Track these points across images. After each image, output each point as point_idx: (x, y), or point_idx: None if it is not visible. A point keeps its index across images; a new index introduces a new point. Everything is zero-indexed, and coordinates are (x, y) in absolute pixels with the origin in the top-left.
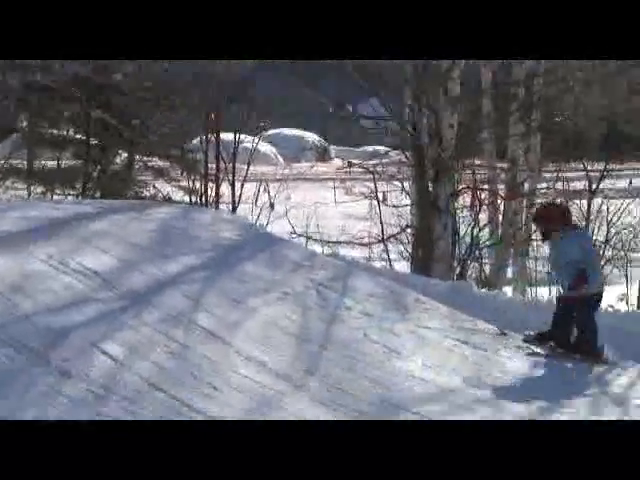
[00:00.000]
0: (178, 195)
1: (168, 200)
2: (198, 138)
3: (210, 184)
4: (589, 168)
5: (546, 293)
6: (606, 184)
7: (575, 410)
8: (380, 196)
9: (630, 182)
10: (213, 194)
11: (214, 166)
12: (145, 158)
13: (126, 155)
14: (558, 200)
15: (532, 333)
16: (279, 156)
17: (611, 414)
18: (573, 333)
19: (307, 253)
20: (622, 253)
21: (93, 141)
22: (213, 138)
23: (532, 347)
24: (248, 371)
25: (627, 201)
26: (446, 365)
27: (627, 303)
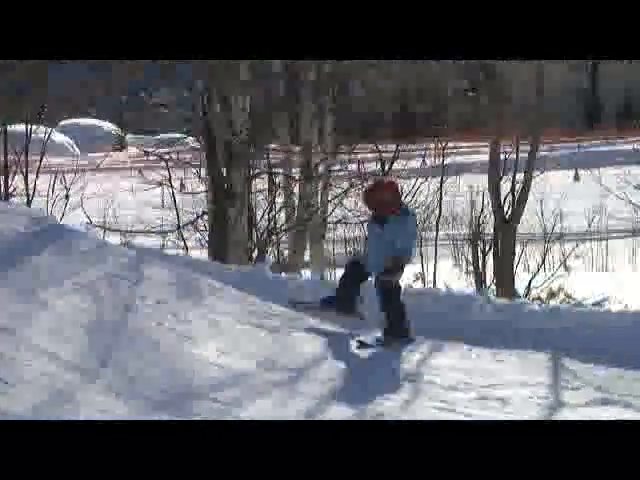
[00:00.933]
0: None
1: None
2: None
3: (2, 177)
4: (382, 149)
5: None
6: (399, 164)
7: (371, 389)
8: (177, 184)
9: (423, 161)
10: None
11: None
12: None
13: None
14: (386, 179)
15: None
16: (75, 146)
17: (404, 390)
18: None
19: (99, 243)
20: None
21: None
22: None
23: (360, 339)
24: (40, 364)
25: (420, 180)
26: (240, 349)
27: (424, 281)
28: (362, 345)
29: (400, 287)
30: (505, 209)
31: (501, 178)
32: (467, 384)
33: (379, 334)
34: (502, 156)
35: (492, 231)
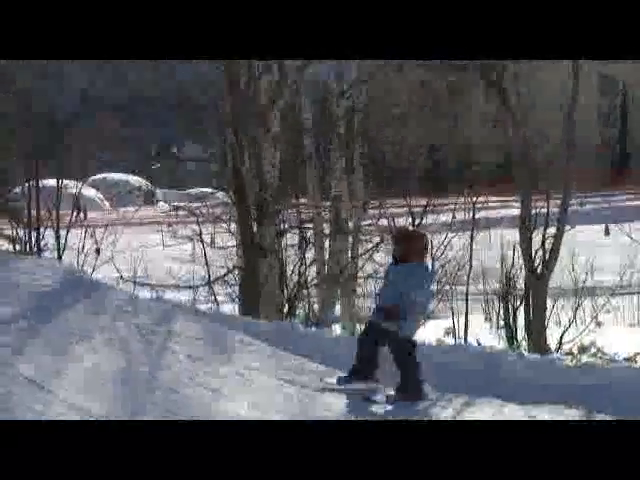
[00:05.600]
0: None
1: None
2: (20, 186)
3: (34, 232)
4: (412, 203)
5: None
6: (429, 219)
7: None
8: (207, 238)
9: (454, 215)
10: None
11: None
12: None
13: None
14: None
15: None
16: (105, 201)
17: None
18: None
19: (130, 297)
20: (447, 287)
21: None
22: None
23: (371, 396)
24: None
25: (450, 235)
26: (272, 405)
27: (454, 336)
28: (370, 401)
29: (414, 343)
30: (536, 263)
31: (532, 232)
32: None
33: (391, 392)
34: (533, 211)
35: (523, 285)
